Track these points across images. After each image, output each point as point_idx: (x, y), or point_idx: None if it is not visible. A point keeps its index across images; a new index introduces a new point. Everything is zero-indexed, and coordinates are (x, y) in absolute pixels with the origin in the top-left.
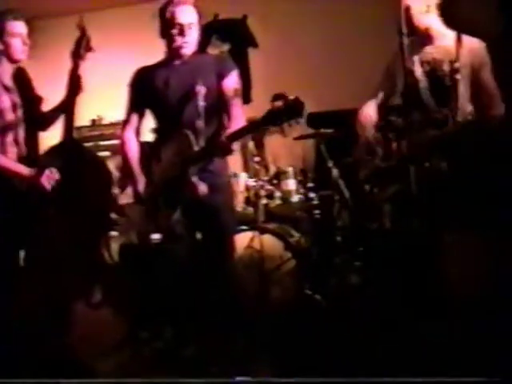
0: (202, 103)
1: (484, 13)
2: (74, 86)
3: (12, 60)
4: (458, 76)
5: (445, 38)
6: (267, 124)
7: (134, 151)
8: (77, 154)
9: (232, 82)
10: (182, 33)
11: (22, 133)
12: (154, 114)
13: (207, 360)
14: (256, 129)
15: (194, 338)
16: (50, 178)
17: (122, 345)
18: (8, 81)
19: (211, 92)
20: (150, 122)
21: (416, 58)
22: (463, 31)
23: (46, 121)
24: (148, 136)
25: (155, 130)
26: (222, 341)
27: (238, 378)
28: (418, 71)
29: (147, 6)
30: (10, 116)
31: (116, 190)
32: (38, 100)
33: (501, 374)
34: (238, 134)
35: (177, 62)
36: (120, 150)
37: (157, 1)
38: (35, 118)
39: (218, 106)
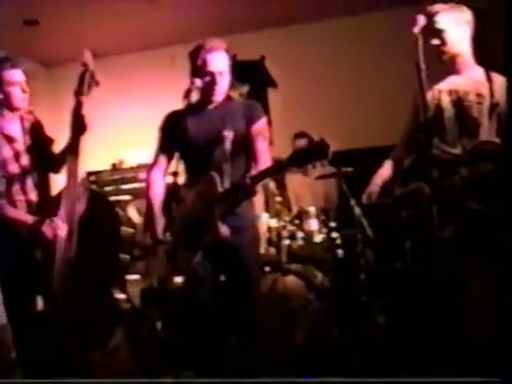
0: (228, 147)
1: None
2: (78, 125)
3: (12, 108)
4: (483, 107)
5: (473, 69)
6: (292, 165)
7: (158, 193)
8: (85, 196)
9: (261, 127)
10: (213, 81)
11: (30, 180)
12: (182, 158)
13: None
14: (281, 170)
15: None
16: (51, 226)
17: None
18: (10, 130)
19: (239, 137)
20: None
21: (443, 87)
22: (492, 68)
23: (57, 163)
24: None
25: (175, 174)
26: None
27: None
28: (446, 100)
29: (165, 51)
30: (13, 166)
31: (127, 230)
32: (49, 142)
33: (501, 374)
34: (263, 175)
35: (207, 108)
36: (145, 192)
37: (175, 45)
38: (46, 161)
39: (246, 151)
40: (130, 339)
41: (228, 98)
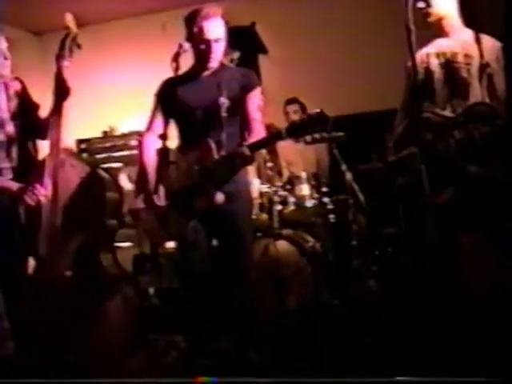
0: (224, 115)
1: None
2: (60, 89)
3: None
4: (472, 68)
5: (461, 31)
6: (291, 136)
7: (152, 157)
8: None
9: (255, 97)
10: (209, 48)
11: (15, 147)
12: (177, 124)
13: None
14: (279, 140)
15: (208, 347)
16: (33, 193)
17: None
18: None
19: (234, 105)
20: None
21: (431, 50)
22: (481, 30)
23: (43, 128)
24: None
25: (164, 136)
26: (238, 349)
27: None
28: (434, 63)
29: (156, 17)
30: None
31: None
32: (35, 108)
33: (501, 374)
34: (260, 145)
35: (203, 74)
36: (139, 155)
37: (166, 11)
38: (32, 127)
39: (241, 119)
40: (121, 306)
41: (223, 65)
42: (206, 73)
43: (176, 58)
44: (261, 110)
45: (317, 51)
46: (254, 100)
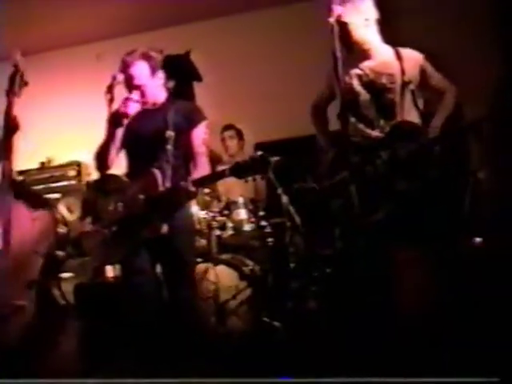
0: (170, 147)
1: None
2: (9, 125)
3: None
4: (396, 86)
5: (382, 52)
6: (233, 175)
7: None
8: (19, 195)
9: (200, 131)
10: (140, 92)
11: None
12: (125, 152)
13: None
14: (221, 178)
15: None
16: None
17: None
18: None
19: (180, 138)
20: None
21: (354, 72)
22: (401, 45)
23: None
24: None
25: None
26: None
27: None
28: (356, 84)
29: (92, 47)
30: None
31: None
32: None
33: (500, 375)
34: (204, 181)
35: (150, 107)
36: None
37: (102, 41)
38: None
39: (186, 152)
40: (68, 335)
41: (170, 98)
42: (153, 106)
43: (110, 89)
44: (205, 144)
45: (250, 78)
46: (199, 134)
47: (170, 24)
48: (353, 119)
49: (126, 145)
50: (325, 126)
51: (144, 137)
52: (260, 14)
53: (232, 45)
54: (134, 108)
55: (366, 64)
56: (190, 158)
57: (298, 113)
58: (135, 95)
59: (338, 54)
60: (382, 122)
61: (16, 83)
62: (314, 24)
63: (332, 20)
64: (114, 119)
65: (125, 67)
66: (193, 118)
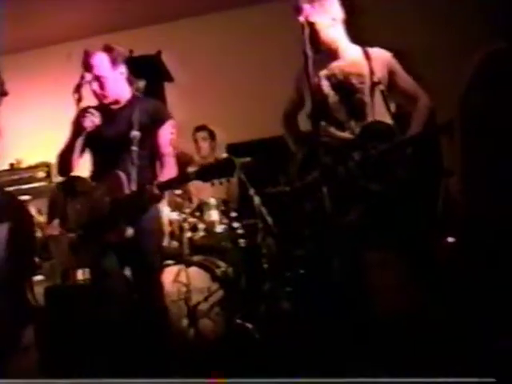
0: (135, 149)
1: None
2: None
3: None
4: (365, 87)
5: (351, 52)
6: (198, 179)
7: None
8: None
9: (166, 131)
10: (100, 84)
11: None
12: (90, 153)
13: None
14: (187, 181)
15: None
16: None
17: None
18: None
19: (145, 138)
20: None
21: (322, 73)
22: (369, 45)
23: None
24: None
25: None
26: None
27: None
28: (325, 85)
29: (63, 47)
30: None
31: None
32: None
33: (495, 375)
34: (169, 185)
35: (114, 106)
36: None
37: (73, 41)
38: None
39: (152, 153)
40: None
41: (134, 96)
42: (118, 106)
43: (78, 89)
44: (172, 144)
45: (221, 77)
46: (166, 134)
47: (142, 24)
48: (323, 123)
49: (90, 146)
50: (296, 133)
51: (108, 138)
52: (231, 14)
53: (204, 45)
54: (93, 120)
55: (334, 64)
56: (156, 159)
57: (271, 113)
58: (95, 86)
59: (309, 53)
60: (352, 123)
61: None
62: (285, 24)
63: (302, 19)
64: (76, 126)
65: (86, 57)
66: (158, 117)
